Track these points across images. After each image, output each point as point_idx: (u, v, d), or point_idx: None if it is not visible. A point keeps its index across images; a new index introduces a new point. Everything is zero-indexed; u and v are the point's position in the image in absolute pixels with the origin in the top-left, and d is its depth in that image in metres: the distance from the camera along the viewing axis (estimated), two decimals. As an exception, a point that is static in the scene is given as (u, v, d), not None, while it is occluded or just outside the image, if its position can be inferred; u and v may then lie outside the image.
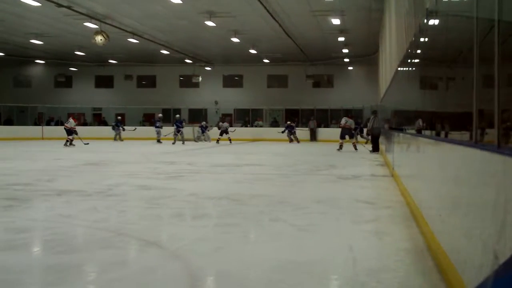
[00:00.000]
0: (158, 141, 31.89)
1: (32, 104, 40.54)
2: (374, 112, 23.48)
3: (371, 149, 22.34)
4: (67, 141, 26.78)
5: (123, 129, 33.55)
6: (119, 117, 34.54)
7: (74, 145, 26.47)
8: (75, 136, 26.82)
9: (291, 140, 33.08)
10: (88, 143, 26.74)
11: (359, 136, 29.53)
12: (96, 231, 6.40)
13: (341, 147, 23.76)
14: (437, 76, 6.53)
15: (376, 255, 5.23)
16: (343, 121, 24.29)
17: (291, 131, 33.11)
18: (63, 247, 5.54)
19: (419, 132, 7.81)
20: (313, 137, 35.62)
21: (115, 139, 33.03)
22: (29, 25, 27.59)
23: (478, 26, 3.65)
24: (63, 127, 27.97)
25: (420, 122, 7.87)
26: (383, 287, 4.27)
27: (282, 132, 33.59)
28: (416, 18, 7.98)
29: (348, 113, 34.19)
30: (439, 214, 4.86)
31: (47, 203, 8.54)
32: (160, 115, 34.48)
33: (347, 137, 23.91)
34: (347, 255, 5.27)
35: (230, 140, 31.91)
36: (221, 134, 32.22)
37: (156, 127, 32.33)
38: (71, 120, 27.71)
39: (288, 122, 33.90)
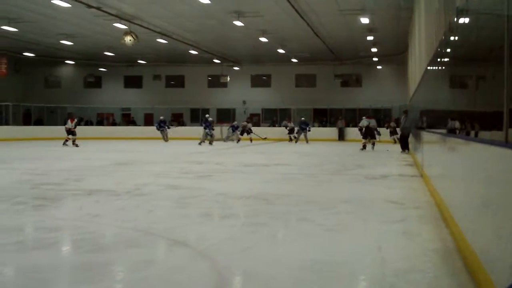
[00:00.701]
0: (208, 142, 32.08)
1: (62, 105, 40.97)
2: (405, 112, 23.35)
3: (386, 149, 22.30)
4: (66, 141, 26.93)
5: (169, 127, 33.10)
6: (162, 117, 34.21)
7: (67, 145, 26.57)
8: (70, 136, 26.88)
9: (290, 139, 32.78)
10: (78, 146, 26.69)
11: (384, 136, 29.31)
12: (124, 230, 6.44)
13: (364, 147, 23.65)
14: (467, 75, 6.46)
15: (404, 256, 5.18)
16: (365, 122, 24.09)
17: (304, 128, 31.62)
18: (91, 246, 5.59)
19: (449, 132, 7.73)
20: (341, 136, 35.50)
21: (165, 139, 32.44)
22: (60, 26, 27.93)
23: (509, 24, 3.60)
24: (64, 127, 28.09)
25: (451, 122, 7.78)
26: (411, 288, 4.24)
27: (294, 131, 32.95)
28: (446, 16, 7.90)
29: (377, 113, 34.15)
30: (465, 214, 4.81)
31: (76, 203, 8.61)
32: (207, 115, 34.41)
33: (368, 137, 23.82)
34: (375, 255, 5.23)
35: (251, 140, 32.29)
36: (242, 134, 32.49)
37: (205, 128, 32.35)
38: (68, 121, 27.78)
39: (303, 119, 32.91)
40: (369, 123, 23.92)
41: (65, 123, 27.67)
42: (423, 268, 4.78)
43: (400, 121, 23.73)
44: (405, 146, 21.98)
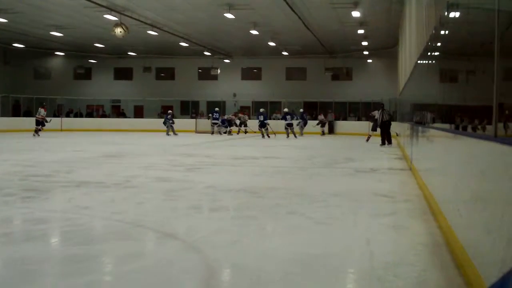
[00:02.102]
0: (216, 133, 33.50)
1: (51, 96, 40.80)
2: (381, 105, 23.31)
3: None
4: (36, 131, 27.06)
5: (173, 122, 32.89)
6: (170, 111, 34.20)
7: (39, 135, 26.72)
8: (42, 127, 27.15)
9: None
10: (50, 120, 27.00)
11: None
12: (113, 222, 6.43)
13: (368, 139, 23.69)
14: (457, 69, 6.48)
15: (393, 249, 5.20)
16: (379, 113, 23.16)
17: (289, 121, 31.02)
18: (81, 238, 5.58)
19: (436, 125, 7.75)
20: (331, 130, 35.56)
21: (167, 133, 32.22)
22: (50, 17, 27.79)
23: (499, 19, 3.60)
24: (34, 118, 28.28)
25: (434, 116, 7.80)
26: (400, 281, 4.25)
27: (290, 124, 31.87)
28: (436, 10, 7.91)
29: (367, 106, 34.21)
30: (457, 208, 4.82)
31: (66, 195, 8.59)
32: (217, 108, 34.83)
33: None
34: (364, 248, 5.25)
35: (246, 131, 32.55)
36: (240, 125, 32.79)
37: (213, 119, 33.87)
38: (41, 109, 27.83)
39: (285, 110, 32.42)
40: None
41: (36, 114, 28.02)
42: (411, 262, 4.79)
43: (376, 115, 23.36)
44: (385, 139, 22.04)
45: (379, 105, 24.11)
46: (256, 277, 4.34)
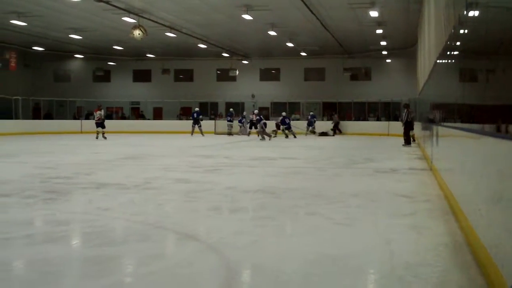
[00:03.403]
0: (229, 133, 33.61)
1: (71, 98, 41.09)
2: (407, 106, 23.17)
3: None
4: (98, 133, 27.14)
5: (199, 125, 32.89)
6: (197, 109, 34.33)
7: (105, 138, 26.87)
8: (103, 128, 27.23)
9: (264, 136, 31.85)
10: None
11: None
12: (134, 224, 6.46)
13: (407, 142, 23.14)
14: (477, 68, 6.43)
15: (413, 249, 5.17)
16: (404, 113, 22.86)
17: (285, 124, 31.20)
18: (101, 240, 5.61)
19: (456, 125, 7.69)
20: (337, 130, 35.10)
21: (191, 133, 32.44)
22: (68, 20, 28.00)
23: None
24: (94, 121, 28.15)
25: (454, 115, 7.75)
26: (420, 282, 4.23)
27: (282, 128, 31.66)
28: (455, 9, 7.85)
29: (386, 106, 34.07)
30: (478, 208, 4.79)
31: (86, 196, 8.65)
32: (232, 109, 35.06)
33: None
34: (384, 249, 5.23)
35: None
36: (250, 127, 32.73)
37: (228, 121, 34.26)
38: (97, 112, 27.85)
39: (283, 114, 32.40)
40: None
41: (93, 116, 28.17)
42: (432, 262, 4.77)
43: (402, 115, 23.36)
44: (409, 139, 21.92)
45: (404, 105, 23.90)
46: (275, 278, 4.34)
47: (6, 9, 25.32)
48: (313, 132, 33.79)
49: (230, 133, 33.42)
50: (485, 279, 4.12)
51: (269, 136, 29.04)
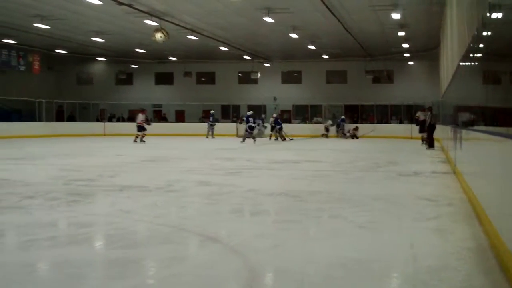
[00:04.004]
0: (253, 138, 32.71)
1: (94, 101, 41.38)
2: (430, 109, 23.04)
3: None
4: (137, 137, 27.06)
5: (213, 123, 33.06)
6: (212, 111, 34.53)
7: (144, 141, 26.70)
8: (144, 132, 27.10)
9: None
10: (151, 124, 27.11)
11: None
12: (156, 226, 6.48)
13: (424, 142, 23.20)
14: (501, 70, 6.37)
15: (437, 254, 5.13)
16: (421, 115, 23.21)
17: (274, 127, 31.34)
18: (124, 242, 5.64)
19: (480, 127, 7.62)
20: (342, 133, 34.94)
21: (207, 136, 32.59)
22: (91, 23, 28.19)
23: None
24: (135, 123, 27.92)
25: (478, 118, 7.68)
26: (444, 286, 4.20)
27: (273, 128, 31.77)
28: (478, 11, 7.79)
29: (409, 109, 33.85)
30: (502, 212, 4.74)
31: (109, 199, 8.71)
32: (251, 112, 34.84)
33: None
34: (408, 253, 5.19)
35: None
36: (272, 130, 32.49)
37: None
38: (139, 115, 27.67)
39: (274, 115, 32.41)
40: (425, 117, 22.72)
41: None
42: (456, 266, 4.73)
43: (421, 117, 23.29)
44: (432, 142, 21.79)
45: (428, 108, 23.77)
46: (298, 281, 4.33)
47: (29, 13, 25.54)
48: (343, 134, 33.83)
49: (253, 137, 32.99)
50: (510, 284, 4.08)
51: (284, 138, 29.25)
